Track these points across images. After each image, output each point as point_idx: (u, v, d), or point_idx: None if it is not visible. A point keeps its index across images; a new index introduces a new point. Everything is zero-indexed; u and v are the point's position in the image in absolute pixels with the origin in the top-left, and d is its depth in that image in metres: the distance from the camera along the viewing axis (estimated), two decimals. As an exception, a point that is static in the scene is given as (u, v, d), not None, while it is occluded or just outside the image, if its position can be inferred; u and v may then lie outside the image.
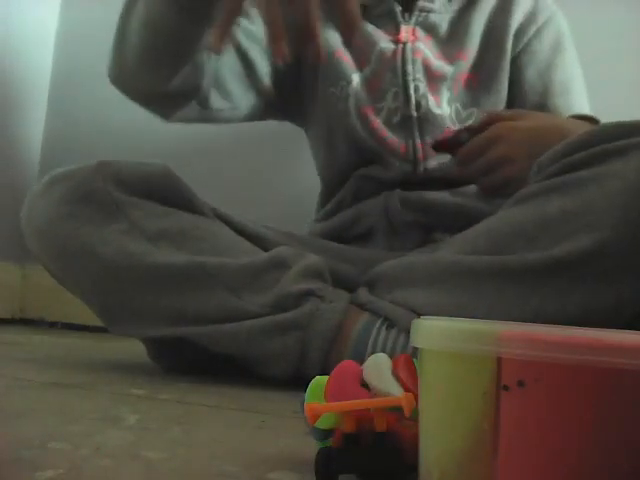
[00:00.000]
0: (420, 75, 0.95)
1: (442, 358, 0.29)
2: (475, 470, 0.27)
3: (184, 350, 0.81)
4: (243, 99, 0.97)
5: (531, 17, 1.00)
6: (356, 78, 0.97)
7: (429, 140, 0.93)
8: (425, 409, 0.30)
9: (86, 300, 0.83)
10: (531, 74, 0.99)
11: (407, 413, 0.33)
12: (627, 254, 0.63)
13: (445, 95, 0.96)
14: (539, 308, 0.66)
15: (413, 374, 0.36)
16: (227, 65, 0.92)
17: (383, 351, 0.71)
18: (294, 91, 1.01)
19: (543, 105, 0.97)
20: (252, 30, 0.92)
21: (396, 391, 0.35)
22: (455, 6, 1.00)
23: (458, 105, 0.96)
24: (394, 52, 0.96)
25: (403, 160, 0.94)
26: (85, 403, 0.59)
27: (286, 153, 1.38)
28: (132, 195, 0.80)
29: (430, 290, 0.72)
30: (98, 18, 1.56)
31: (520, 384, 0.26)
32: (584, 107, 1.00)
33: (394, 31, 0.98)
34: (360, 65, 0.98)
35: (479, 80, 0.97)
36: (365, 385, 0.36)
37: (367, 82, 0.97)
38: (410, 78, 0.94)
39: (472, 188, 0.94)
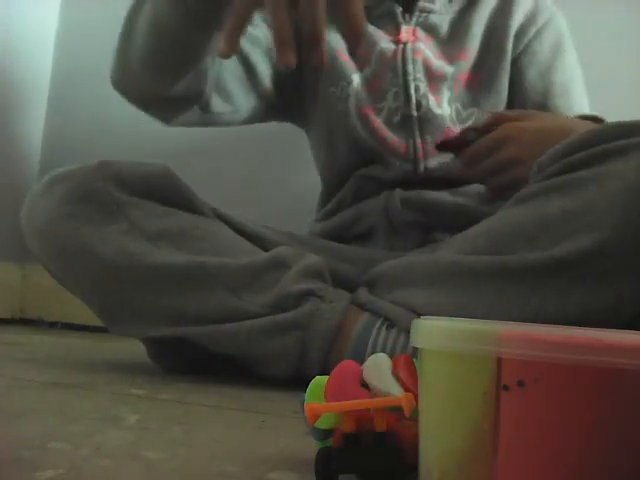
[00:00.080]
0: (421, 75, 0.95)
1: (442, 358, 0.29)
2: (475, 470, 0.27)
3: (184, 350, 0.81)
4: (244, 102, 0.97)
5: (531, 18, 1.00)
6: (356, 78, 0.97)
7: (430, 139, 0.94)
8: (425, 409, 0.30)
9: (86, 300, 0.83)
10: (532, 75, 0.99)
11: (407, 413, 0.33)
12: (627, 254, 0.63)
13: (445, 95, 0.96)
14: (539, 308, 0.66)
15: (413, 374, 0.36)
16: (228, 69, 0.92)
17: (383, 351, 0.71)
18: (295, 92, 1.01)
19: (544, 105, 0.98)
20: (253, 33, 0.92)
21: (396, 391, 0.35)
22: (455, 7, 1.00)
23: (458, 105, 0.96)
24: (394, 52, 0.96)
25: (403, 160, 0.94)
26: (85, 403, 0.59)
27: (286, 153, 1.38)
28: (132, 195, 0.80)
29: (430, 290, 0.72)
30: (98, 18, 1.56)
31: (520, 384, 0.26)
32: (584, 107, 1.00)
33: (394, 31, 0.98)
34: (360, 65, 0.98)
35: (479, 80, 0.97)
36: (365, 385, 0.36)
37: (367, 82, 0.97)
38: (410, 78, 0.94)
39: (472, 188, 0.94)
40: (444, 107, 0.95)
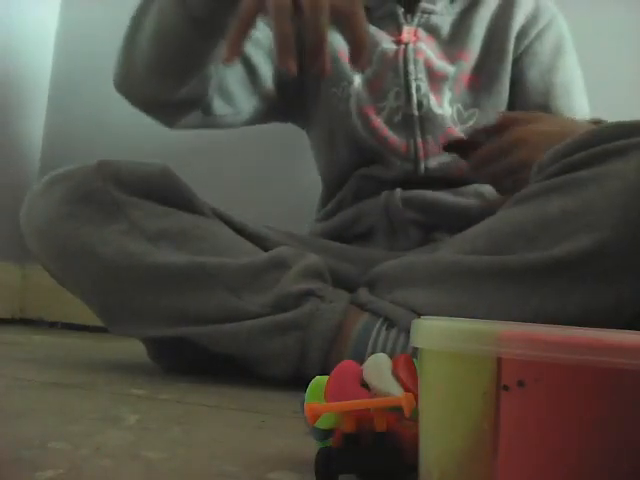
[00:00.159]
0: (422, 75, 0.95)
1: (442, 358, 0.29)
2: (475, 470, 0.27)
3: (184, 350, 0.81)
4: (245, 103, 0.97)
5: (532, 20, 1.00)
6: (357, 78, 0.97)
7: (431, 139, 0.94)
8: (425, 409, 0.30)
9: (86, 300, 0.83)
10: (533, 76, 0.99)
11: (407, 413, 0.33)
12: (627, 254, 0.63)
13: (447, 95, 0.96)
14: (539, 308, 0.66)
15: (413, 374, 0.36)
16: (230, 71, 0.92)
17: (383, 351, 0.71)
18: (296, 93, 1.02)
19: (545, 106, 0.98)
20: (255, 35, 0.93)
21: (396, 391, 0.35)
22: (457, 8, 1.00)
23: (460, 106, 0.96)
24: (396, 52, 0.96)
25: (404, 159, 0.94)
26: (85, 403, 0.59)
27: (286, 153, 1.38)
28: (132, 195, 0.80)
29: (430, 290, 0.72)
30: (98, 18, 1.56)
31: (520, 384, 0.26)
32: (584, 108, 1.00)
33: (396, 32, 0.98)
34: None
35: (481, 81, 0.97)
36: (365, 385, 0.36)
37: (368, 82, 0.97)
38: (412, 78, 0.95)
39: (472, 188, 0.95)
40: (445, 107, 0.95)
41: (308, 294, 0.74)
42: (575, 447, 0.26)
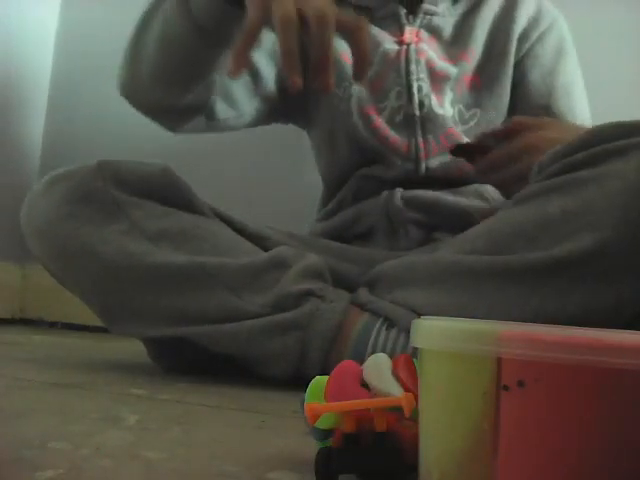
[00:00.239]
0: (424, 75, 0.95)
1: (442, 358, 0.29)
2: (475, 470, 0.27)
3: (184, 350, 0.81)
4: (247, 106, 0.97)
5: (534, 23, 1.01)
6: None
7: (432, 139, 0.94)
8: (425, 409, 0.30)
9: (86, 300, 0.83)
10: (535, 78, 1.00)
11: (407, 413, 0.33)
12: (627, 254, 0.63)
13: (448, 96, 0.96)
14: (539, 308, 0.66)
15: (413, 374, 0.36)
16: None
17: (383, 351, 0.71)
18: (298, 94, 1.01)
19: (547, 107, 0.98)
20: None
21: (396, 391, 0.35)
22: (459, 10, 1.01)
23: (461, 106, 0.97)
24: (398, 53, 0.97)
25: (405, 159, 0.94)
26: (85, 403, 0.59)
27: (286, 153, 1.38)
28: (132, 195, 0.80)
29: (430, 290, 0.72)
30: (98, 18, 1.56)
31: (520, 384, 0.26)
32: (585, 110, 1.01)
33: (398, 33, 0.98)
34: None
35: (482, 82, 0.98)
36: (365, 385, 0.36)
37: (370, 82, 0.97)
38: (414, 78, 0.95)
39: (473, 188, 0.95)
40: (446, 107, 0.96)
41: (308, 294, 0.74)
42: (575, 447, 0.26)
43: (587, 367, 0.25)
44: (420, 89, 0.95)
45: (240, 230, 0.85)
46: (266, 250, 0.80)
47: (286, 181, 1.39)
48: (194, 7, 0.77)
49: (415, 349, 0.31)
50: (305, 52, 0.66)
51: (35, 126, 1.59)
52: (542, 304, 0.66)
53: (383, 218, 0.93)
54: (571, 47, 1.03)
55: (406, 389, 0.35)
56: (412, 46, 0.97)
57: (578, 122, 0.96)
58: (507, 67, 0.98)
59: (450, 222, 0.91)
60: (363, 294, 0.77)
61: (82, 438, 0.44)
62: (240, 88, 0.94)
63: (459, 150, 0.89)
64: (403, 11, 0.99)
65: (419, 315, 0.67)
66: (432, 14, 0.99)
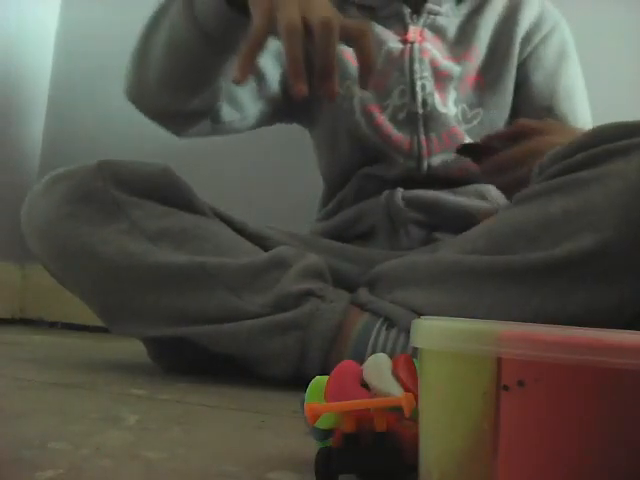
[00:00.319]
0: (427, 74, 0.95)
1: (442, 358, 0.29)
2: (475, 470, 0.27)
3: (184, 350, 0.81)
4: (252, 108, 0.97)
5: (537, 25, 1.01)
6: None
7: (435, 137, 0.94)
8: (425, 409, 0.30)
9: (86, 300, 0.83)
10: (537, 80, 1.00)
11: (407, 413, 0.33)
12: (628, 254, 0.63)
13: (452, 95, 0.96)
14: (540, 308, 0.66)
15: (413, 374, 0.36)
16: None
17: (383, 351, 0.71)
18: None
19: (550, 109, 0.99)
20: None
21: (396, 391, 0.35)
22: (463, 11, 1.01)
23: (464, 105, 0.97)
24: (402, 51, 0.97)
25: (407, 157, 0.94)
26: (85, 403, 0.59)
27: (287, 153, 1.38)
28: (132, 195, 0.80)
29: (431, 290, 0.72)
30: (98, 18, 1.56)
31: (520, 384, 0.26)
32: (586, 112, 1.01)
33: (402, 31, 0.99)
34: None
35: (486, 82, 0.98)
36: (365, 385, 0.36)
37: (373, 80, 0.97)
38: (417, 76, 0.95)
39: (474, 188, 0.95)
40: (449, 106, 0.96)
41: (308, 294, 0.74)
42: (575, 447, 0.26)
43: (587, 367, 0.25)
44: (424, 87, 0.95)
45: (240, 230, 0.85)
46: (266, 250, 0.80)
47: (286, 181, 1.39)
48: (200, 14, 0.78)
49: (415, 349, 0.31)
50: (310, 59, 0.66)
51: (35, 126, 1.59)
52: (543, 304, 0.66)
53: (384, 218, 0.93)
54: (573, 50, 1.04)
55: (406, 389, 0.35)
56: (416, 45, 0.97)
57: (580, 124, 0.97)
58: (510, 68, 0.99)
59: (451, 222, 0.91)
60: (363, 294, 0.77)
61: (82, 438, 0.44)
62: (245, 91, 0.94)
63: (465, 150, 0.89)
64: (407, 10, 1.00)
65: (419, 315, 0.67)
66: (436, 14, 1.00)
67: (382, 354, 0.38)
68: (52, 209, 0.80)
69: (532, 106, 0.99)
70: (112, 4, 1.54)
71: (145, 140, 1.38)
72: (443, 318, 0.32)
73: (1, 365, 0.81)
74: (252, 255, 0.78)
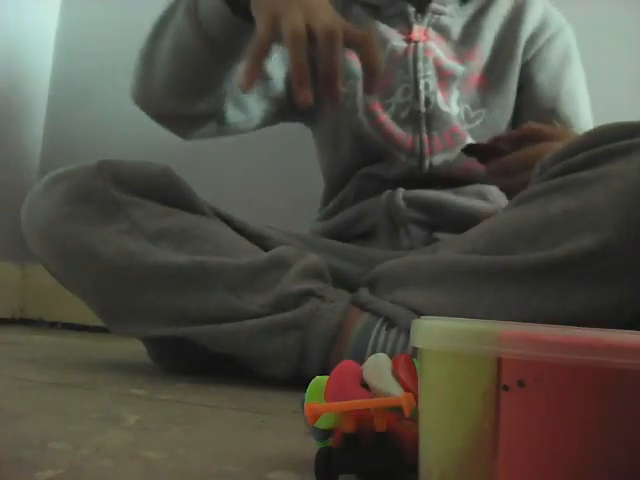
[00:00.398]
0: (431, 73, 0.96)
1: (442, 358, 0.29)
2: (475, 470, 0.27)
3: (184, 350, 0.81)
4: (257, 109, 0.97)
5: (542, 27, 1.02)
6: None
7: (437, 136, 0.94)
8: (425, 409, 0.30)
9: (86, 300, 0.83)
10: (541, 81, 1.00)
11: (407, 413, 0.33)
12: (629, 254, 0.63)
13: (455, 94, 0.97)
14: (540, 308, 0.66)
15: (413, 374, 0.36)
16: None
17: (383, 351, 0.71)
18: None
19: (553, 111, 0.99)
20: None
21: (396, 391, 0.35)
22: (467, 11, 1.01)
23: (467, 106, 0.97)
24: (406, 50, 0.97)
25: (409, 155, 0.94)
26: (85, 403, 0.59)
27: (287, 153, 1.38)
28: (133, 195, 0.80)
29: (431, 290, 0.72)
30: (98, 18, 1.56)
31: (520, 384, 0.26)
32: (588, 116, 1.02)
33: (406, 30, 0.99)
34: None
35: (489, 83, 0.98)
36: (365, 385, 0.36)
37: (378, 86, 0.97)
38: (421, 75, 0.95)
39: (475, 188, 0.95)
40: (452, 106, 0.96)
41: (308, 294, 0.74)
42: (575, 447, 0.26)
43: (587, 367, 0.25)
44: (427, 86, 0.95)
45: (240, 230, 0.85)
46: (266, 250, 0.80)
47: (286, 181, 1.39)
48: (205, 20, 0.78)
49: (415, 349, 0.31)
50: (314, 64, 0.66)
51: (35, 126, 1.59)
52: (543, 304, 0.66)
53: (385, 217, 0.93)
54: (577, 54, 1.04)
55: (406, 389, 0.35)
56: (420, 44, 0.97)
57: (582, 127, 0.97)
58: (514, 69, 0.99)
59: (452, 222, 0.91)
60: (363, 294, 0.77)
61: (82, 438, 0.44)
62: (251, 93, 0.94)
63: (472, 150, 0.89)
64: (412, 9, 1.00)
65: (419, 315, 0.67)
66: (440, 14, 1.00)
67: (382, 354, 0.38)
68: (52, 209, 0.80)
69: (535, 108, 1.00)
70: (112, 4, 1.54)
71: (145, 140, 1.38)
72: (443, 318, 0.32)
73: (1, 365, 0.81)
74: (252, 255, 0.78)
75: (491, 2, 1.01)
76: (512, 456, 0.26)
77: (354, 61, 0.98)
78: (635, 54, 1.23)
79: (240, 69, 0.81)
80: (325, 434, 0.37)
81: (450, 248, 0.76)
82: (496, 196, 0.95)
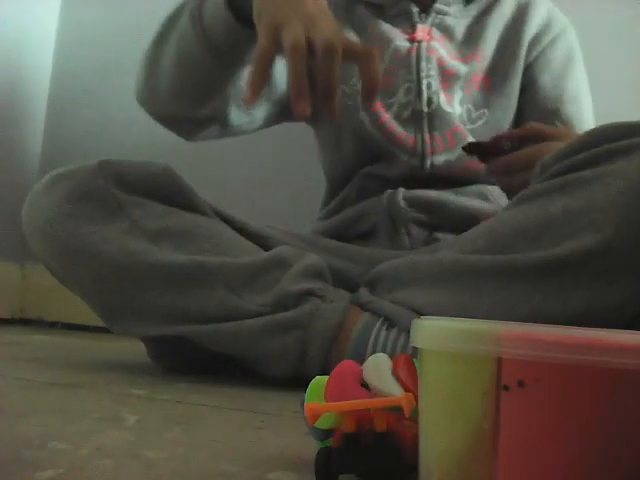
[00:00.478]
0: (434, 72, 0.96)
1: (442, 358, 0.29)
2: (475, 470, 0.27)
3: (184, 350, 0.81)
4: (260, 110, 0.97)
5: (546, 28, 1.02)
6: None
7: (438, 136, 0.94)
8: (425, 409, 0.30)
9: (87, 299, 0.83)
10: (545, 82, 1.01)
11: (407, 413, 0.33)
12: (629, 254, 0.63)
13: (458, 94, 0.97)
14: (540, 307, 0.66)
15: (413, 374, 0.36)
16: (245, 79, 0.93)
17: (383, 351, 0.71)
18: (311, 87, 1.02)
19: (556, 112, 0.99)
20: None
21: (396, 391, 0.35)
22: (471, 12, 1.01)
23: (470, 106, 0.97)
24: (409, 50, 0.97)
25: (411, 154, 0.94)
26: (85, 403, 0.59)
27: (288, 152, 1.38)
28: (133, 194, 0.80)
29: (431, 289, 0.72)
30: (98, 18, 1.56)
31: (520, 384, 0.26)
32: (590, 118, 1.02)
33: (410, 30, 0.99)
34: None
35: (492, 83, 0.98)
36: (365, 385, 0.36)
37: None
38: (423, 75, 0.95)
39: (476, 188, 0.95)
40: (455, 106, 0.96)
41: (308, 294, 0.74)
42: (575, 447, 0.26)
43: (587, 367, 0.25)
44: (429, 86, 0.95)
45: (241, 229, 0.85)
46: (267, 249, 0.80)
47: (287, 180, 1.39)
48: (209, 27, 0.79)
49: (415, 349, 0.31)
50: (314, 76, 0.67)
51: (35, 126, 1.59)
52: (543, 303, 0.66)
53: (385, 217, 0.93)
54: (580, 56, 1.04)
55: (406, 389, 0.35)
56: (423, 44, 0.97)
57: (584, 128, 0.97)
58: (517, 69, 0.99)
59: (452, 222, 0.91)
60: (363, 294, 0.77)
61: (82, 438, 0.44)
62: (256, 106, 0.95)
63: (472, 148, 0.89)
64: (415, 9, 1.00)
65: (419, 315, 0.67)
66: (444, 14, 1.00)
67: (382, 354, 0.38)
68: (53, 208, 0.80)
69: (538, 108, 1.00)
70: (112, 4, 1.54)
71: (145, 140, 1.38)
72: (443, 318, 0.32)
73: (1, 365, 0.81)
74: (252, 255, 0.79)
75: (495, 3, 1.01)
76: (512, 456, 0.26)
77: None
78: (635, 54, 1.23)
79: (244, 74, 0.82)
80: (325, 434, 0.37)
81: (450, 248, 0.76)
82: (497, 196, 0.95)
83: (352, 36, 0.99)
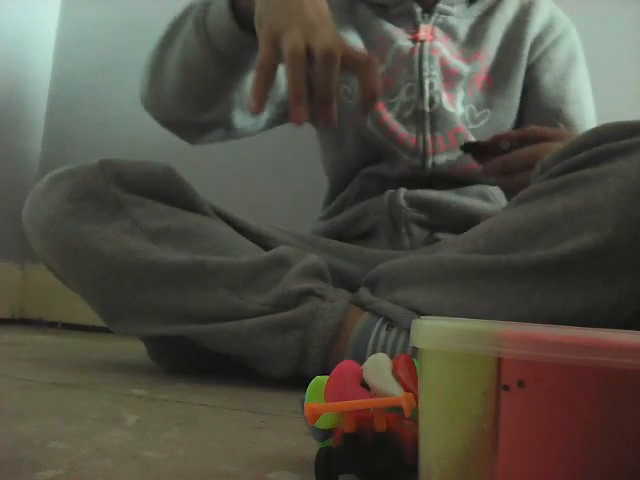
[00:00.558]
0: (436, 72, 0.96)
1: (442, 358, 0.29)
2: (475, 470, 0.27)
3: (184, 350, 0.81)
4: (264, 112, 0.97)
5: (548, 28, 1.02)
6: None
7: (440, 136, 0.94)
8: (425, 409, 0.30)
9: (87, 298, 0.83)
10: (547, 81, 1.01)
11: (407, 413, 0.33)
12: (629, 253, 0.63)
13: (460, 94, 0.97)
14: (540, 307, 0.66)
15: (413, 374, 0.36)
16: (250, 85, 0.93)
17: (383, 351, 0.71)
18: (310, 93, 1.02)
19: (558, 112, 0.99)
20: None
21: (396, 391, 0.35)
22: (474, 13, 1.01)
23: (472, 106, 0.97)
24: (412, 49, 0.97)
25: (412, 154, 0.94)
26: (85, 403, 0.59)
27: (288, 152, 1.38)
28: (134, 193, 0.80)
29: (431, 289, 0.72)
30: (98, 18, 1.56)
31: (520, 384, 0.26)
32: (592, 119, 1.02)
33: (413, 30, 0.99)
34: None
35: (495, 83, 0.98)
36: (365, 385, 0.36)
37: (381, 78, 0.97)
38: (426, 74, 0.95)
39: (477, 188, 0.95)
40: (457, 106, 0.96)
41: (308, 293, 0.74)
42: (575, 447, 0.26)
43: (587, 367, 0.25)
44: (432, 86, 0.95)
45: (241, 229, 0.85)
46: (267, 249, 0.80)
47: (287, 180, 1.39)
48: (213, 34, 0.79)
49: (415, 349, 0.31)
50: (312, 83, 0.67)
51: (35, 126, 1.59)
52: (543, 303, 0.66)
53: (386, 217, 0.93)
54: (582, 56, 1.04)
55: (406, 389, 0.35)
56: (426, 43, 0.97)
57: (587, 128, 0.96)
58: (520, 70, 0.99)
59: (453, 222, 0.91)
60: (364, 294, 0.77)
61: (82, 438, 0.44)
62: (262, 114, 0.95)
63: (470, 147, 0.89)
64: (418, 9, 1.00)
65: (419, 315, 0.67)
66: (447, 14, 1.00)
67: (382, 354, 0.38)
68: (54, 207, 0.80)
69: (540, 109, 1.00)
70: (112, 4, 1.54)
71: (146, 140, 1.38)
72: (443, 318, 0.32)
73: (1, 365, 0.81)
74: (253, 254, 0.79)
75: (498, 3, 1.01)
76: (512, 456, 0.26)
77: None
78: (637, 54, 1.23)
79: (248, 80, 0.82)
80: (325, 434, 0.37)
81: (450, 248, 0.76)
82: (498, 197, 0.95)
83: (354, 36, 0.99)
